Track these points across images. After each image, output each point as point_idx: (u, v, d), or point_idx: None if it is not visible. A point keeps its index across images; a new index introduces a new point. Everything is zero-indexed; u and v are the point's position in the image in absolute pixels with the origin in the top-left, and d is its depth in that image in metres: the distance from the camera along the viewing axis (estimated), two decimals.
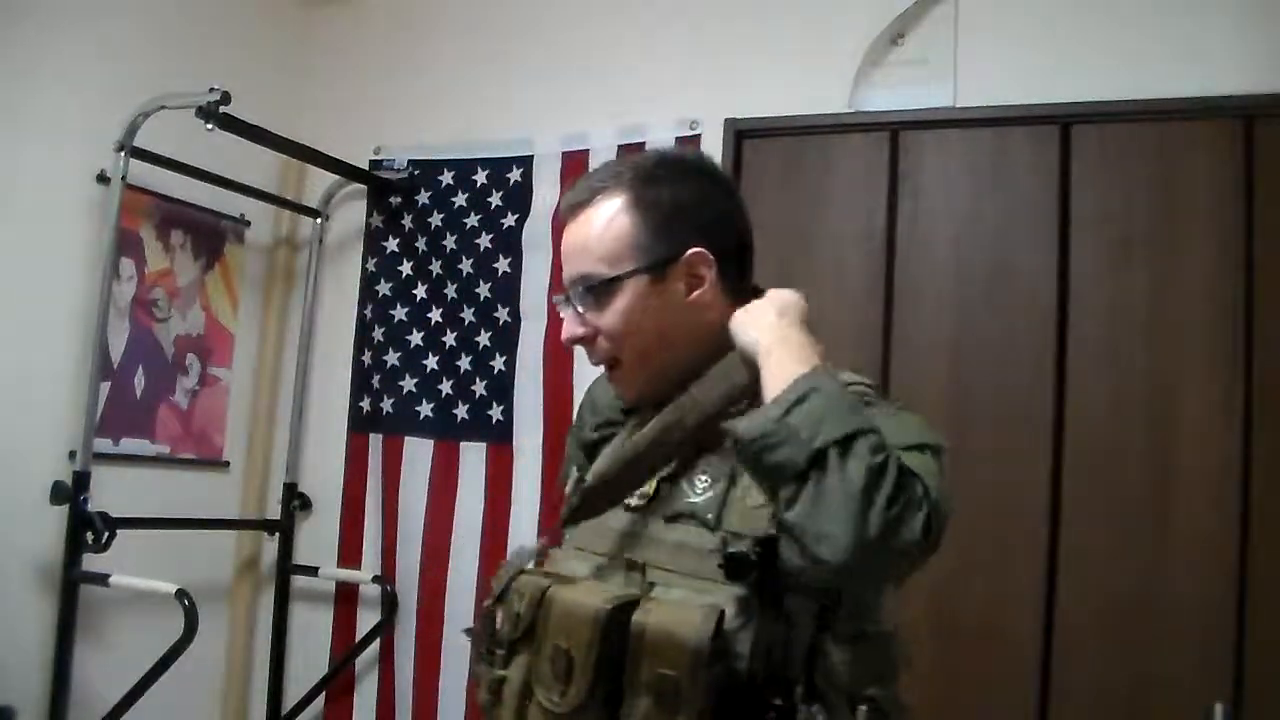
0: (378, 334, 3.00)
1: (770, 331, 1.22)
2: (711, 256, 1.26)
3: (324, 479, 3.02)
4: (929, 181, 2.47)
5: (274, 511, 3.01)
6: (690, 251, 1.24)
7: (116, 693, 2.34)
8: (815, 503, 1.01)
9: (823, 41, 2.58)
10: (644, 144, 2.72)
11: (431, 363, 2.92)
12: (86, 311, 2.50)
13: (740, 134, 2.64)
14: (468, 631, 1.30)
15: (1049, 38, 2.40)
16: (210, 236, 2.90)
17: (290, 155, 2.92)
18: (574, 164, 2.80)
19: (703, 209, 1.27)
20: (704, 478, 1.20)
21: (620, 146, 2.75)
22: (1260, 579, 2.11)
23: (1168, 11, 2.31)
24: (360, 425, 2.99)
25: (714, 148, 2.65)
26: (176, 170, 2.65)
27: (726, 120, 2.65)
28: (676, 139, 2.69)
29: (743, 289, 1.31)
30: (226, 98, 2.43)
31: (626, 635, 1.08)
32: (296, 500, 3.01)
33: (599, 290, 1.22)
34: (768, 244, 2.56)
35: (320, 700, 2.92)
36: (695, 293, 1.25)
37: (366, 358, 3.01)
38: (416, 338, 2.95)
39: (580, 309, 1.23)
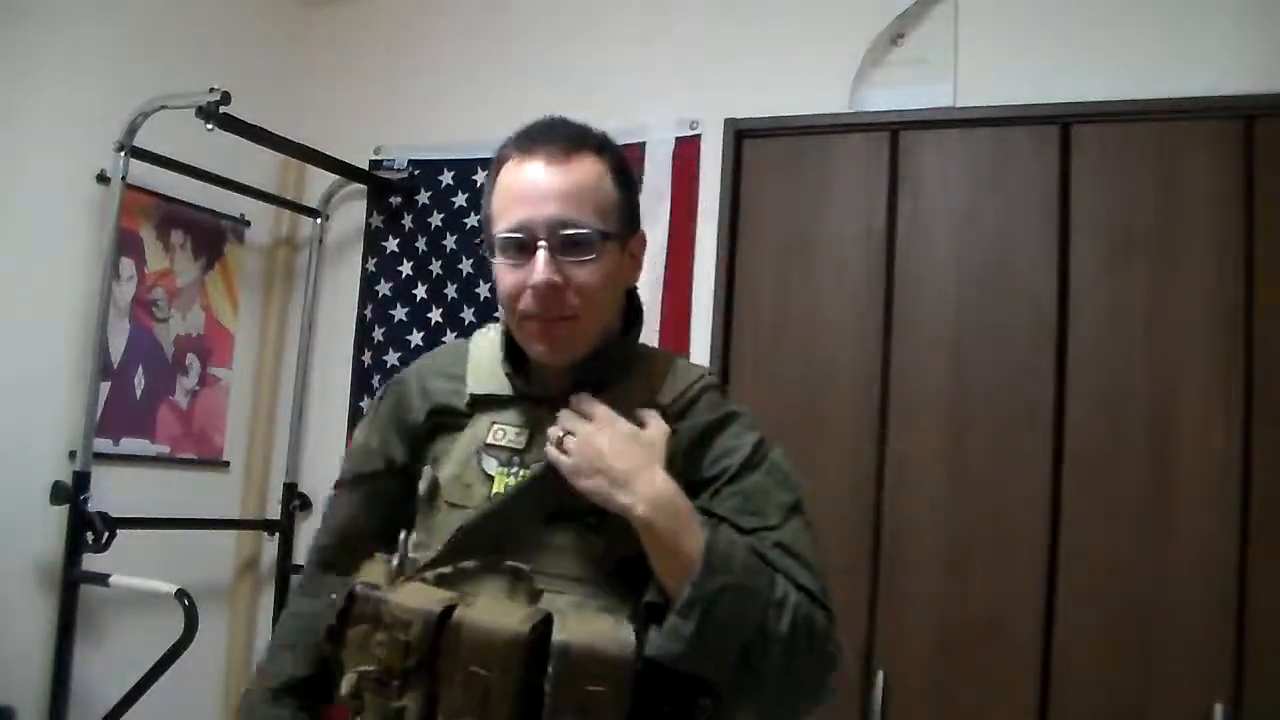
0: (378, 334, 3.00)
1: (645, 496, 1.11)
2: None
3: (324, 479, 3.01)
4: (929, 181, 2.47)
5: (274, 511, 3.01)
6: (640, 233, 1.28)
7: (116, 693, 2.34)
8: (741, 686, 1.11)
9: (823, 41, 2.58)
10: (644, 144, 2.73)
11: None
12: (86, 311, 2.50)
13: (740, 134, 2.64)
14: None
15: (1049, 38, 2.40)
16: (210, 236, 2.90)
17: (290, 155, 2.92)
18: None
19: (637, 190, 1.30)
20: None
21: (620, 146, 2.75)
22: (1260, 579, 2.11)
23: (1168, 11, 2.31)
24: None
25: (714, 148, 2.66)
26: (176, 170, 2.65)
27: (726, 120, 2.65)
28: (676, 139, 2.69)
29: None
30: (226, 98, 2.43)
31: (547, 656, 1.06)
32: (296, 500, 3.01)
33: (588, 243, 1.17)
34: (768, 244, 2.60)
35: None
36: (631, 273, 1.27)
37: (366, 358, 3.01)
38: (416, 338, 2.95)
39: (561, 256, 1.16)
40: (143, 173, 2.59)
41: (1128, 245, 2.29)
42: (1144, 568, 2.19)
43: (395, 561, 1.23)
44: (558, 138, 1.20)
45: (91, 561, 2.41)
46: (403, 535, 1.24)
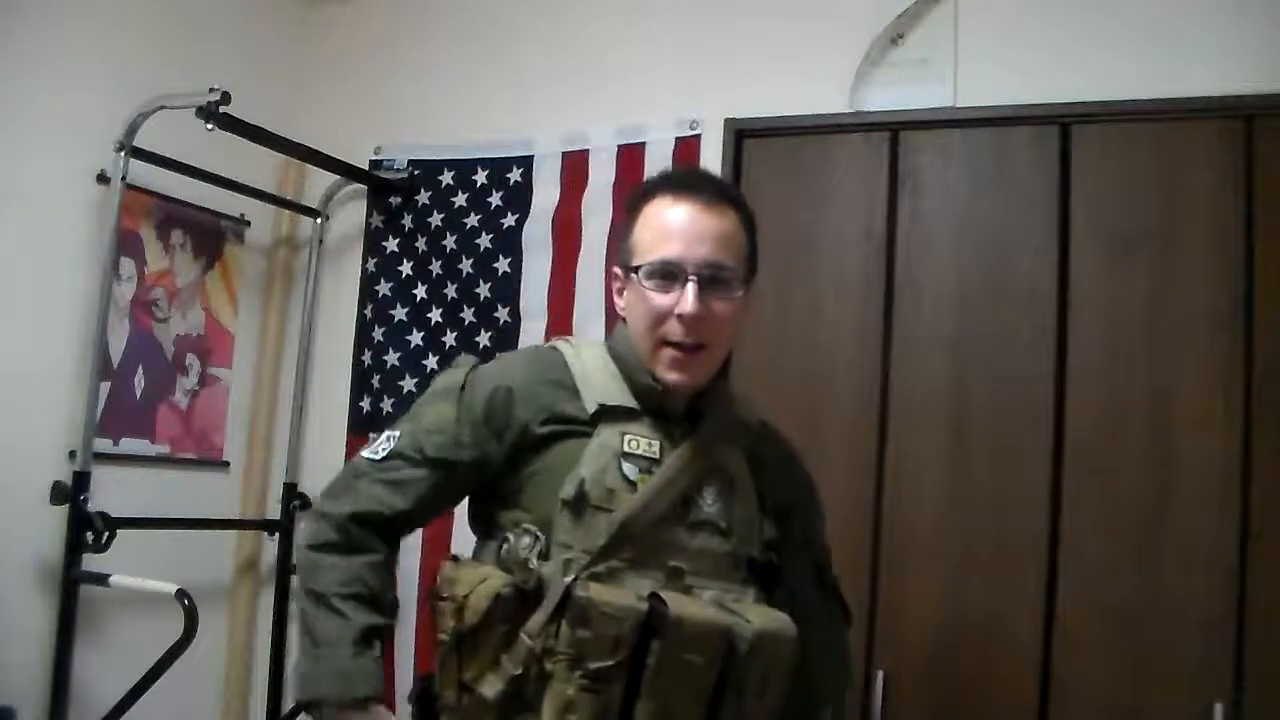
0: (378, 334, 3.00)
1: None
2: None
3: (324, 479, 2.98)
4: (929, 181, 2.47)
5: (274, 511, 3.01)
6: (753, 285, 1.46)
7: (116, 693, 2.34)
8: None
9: (823, 41, 2.58)
10: (644, 144, 2.73)
11: (432, 363, 2.92)
12: (86, 311, 2.50)
13: (740, 134, 2.64)
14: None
15: (1049, 38, 2.40)
16: (210, 236, 2.90)
17: (290, 155, 2.92)
18: (574, 164, 2.81)
19: (758, 245, 1.49)
20: (711, 490, 1.37)
21: (620, 146, 2.76)
22: (1260, 579, 2.11)
23: (1168, 11, 2.31)
24: (360, 425, 2.99)
25: (714, 148, 2.66)
26: (176, 170, 2.65)
27: (726, 120, 2.65)
28: (676, 139, 2.69)
29: None
30: (226, 98, 2.43)
31: (734, 644, 1.27)
32: (296, 500, 3.00)
33: (731, 284, 1.37)
34: (768, 244, 2.58)
35: None
36: (742, 320, 1.45)
37: (366, 358, 3.01)
38: (416, 338, 2.95)
39: (705, 292, 1.34)
40: (143, 173, 2.59)
41: (1128, 245, 2.29)
42: (1144, 568, 2.19)
43: (504, 557, 1.33)
44: (709, 187, 1.42)
45: (91, 561, 2.41)
46: (511, 538, 1.33)
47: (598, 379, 1.40)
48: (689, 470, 1.36)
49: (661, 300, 1.34)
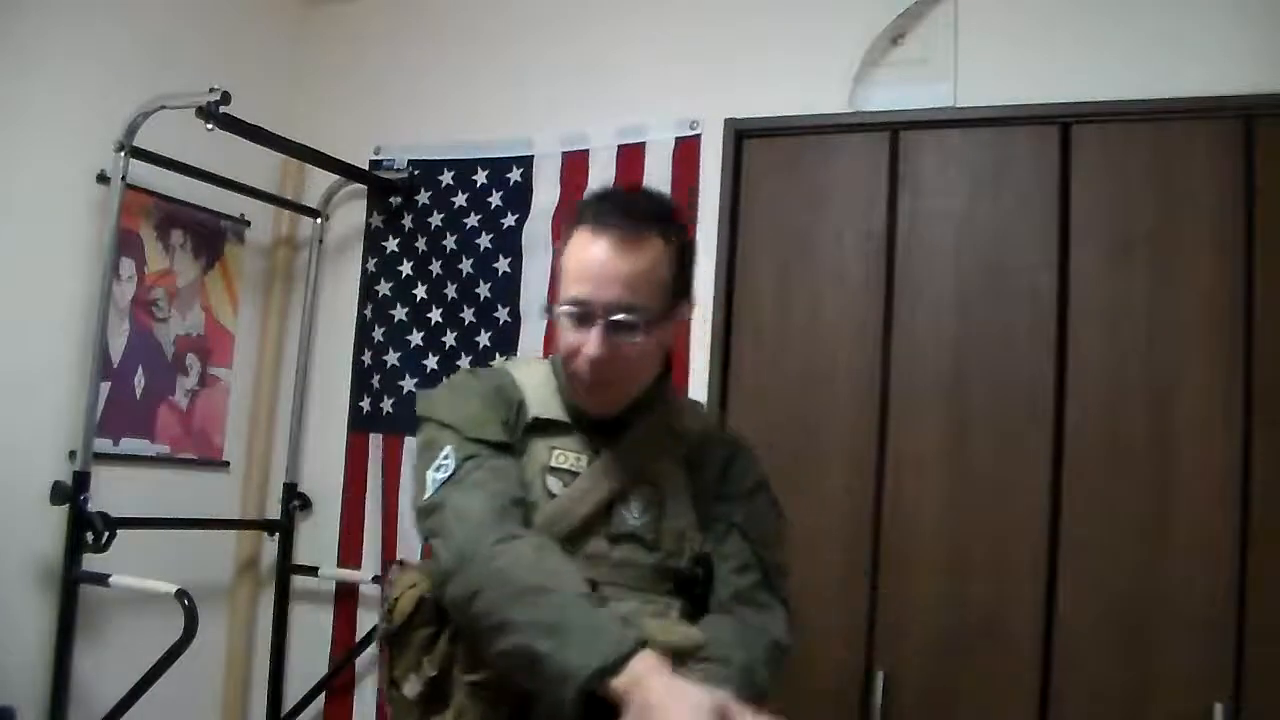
0: (378, 334, 3.00)
1: None
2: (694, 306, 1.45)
3: (324, 479, 3.02)
4: (929, 181, 2.47)
5: (274, 511, 3.01)
6: (685, 304, 1.42)
7: (116, 693, 2.34)
8: None
9: (823, 41, 2.58)
10: (644, 144, 2.73)
11: (431, 363, 2.92)
12: (86, 311, 2.50)
13: (740, 134, 2.64)
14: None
15: (1049, 38, 2.40)
16: (210, 236, 2.90)
17: (290, 155, 2.92)
18: (574, 164, 2.81)
19: (693, 263, 1.45)
20: (637, 503, 1.37)
21: (620, 146, 2.76)
22: (1260, 579, 2.11)
23: (1168, 11, 2.31)
24: (360, 425, 2.99)
25: (714, 148, 2.66)
26: (176, 170, 2.65)
27: (726, 120, 2.65)
28: (676, 139, 2.69)
29: None
30: (226, 98, 2.43)
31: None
32: (296, 500, 3.01)
33: (638, 327, 1.32)
34: (768, 244, 2.60)
35: (320, 700, 2.92)
36: (676, 336, 1.44)
37: (366, 358, 3.01)
38: (416, 338, 2.95)
39: (612, 334, 1.32)
40: (143, 173, 2.59)
41: (1128, 245, 2.29)
42: (1144, 568, 2.19)
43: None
44: (627, 218, 1.34)
45: (91, 561, 2.41)
46: None
47: (535, 394, 1.43)
48: (609, 482, 1.36)
49: (573, 337, 1.34)
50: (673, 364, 1.52)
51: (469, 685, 1.29)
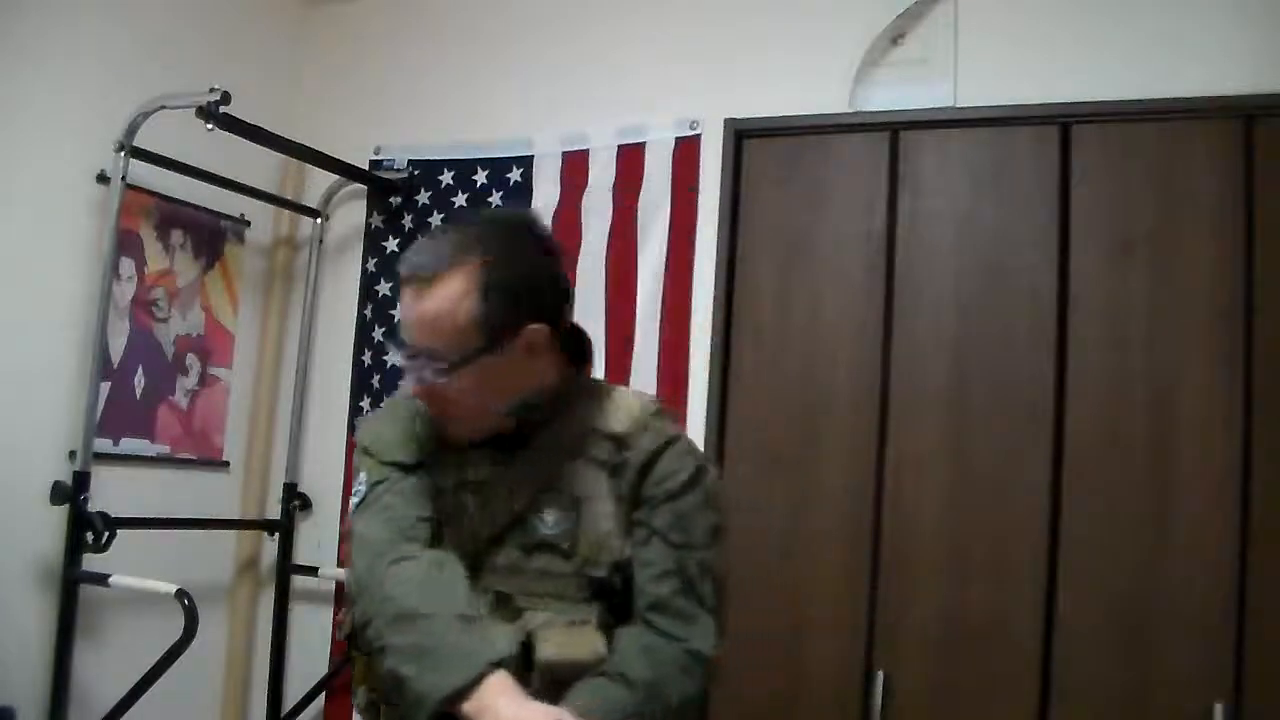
0: (378, 334, 3.00)
1: None
2: (548, 330, 1.34)
3: (324, 479, 3.02)
4: (929, 181, 2.47)
5: (274, 511, 3.01)
6: (529, 329, 1.32)
7: (116, 693, 2.34)
8: None
9: (823, 41, 2.58)
10: (644, 144, 2.73)
11: None
12: (86, 311, 2.50)
13: (740, 134, 2.64)
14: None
15: (1049, 38, 2.40)
16: (210, 236, 2.90)
17: (290, 155, 2.92)
18: (574, 164, 2.81)
19: (539, 286, 1.34)
20: (552, 511, 1.33)
21: (620, 146, 2.76)
22: (1260, 579, 2.11)
23: (1168, 11, 2.31)
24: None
25: (714, 148, 2.66)
26: (176, 170, 2.65)
27: (726, 120, 2.65)
28: (676, 139, 2.69)
29: (568, 340, 1.41)
30: (226, 98, 2.43)
31: (530, 669, 1.25)
32: (296, 500, 3.01)
33: (442, 367, 1.29)
34: (768, 244, 2.60)
35: (320, 700, 2.92)
36: (532, 361, 1.34)
37: (366, 358, 3.01)
38: None
39: (426, 376, 1.31)
40: (143, 173, 2.59)
41: (1128, 245, 2.29)
42: (1144, 568, 2.19)
43: None
44: (425, 264, 1.30)
45: (91, 561, 2.41)
46: None
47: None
48: (519, 492, 1.34)
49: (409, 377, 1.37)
50: (588, 359, 1.45)
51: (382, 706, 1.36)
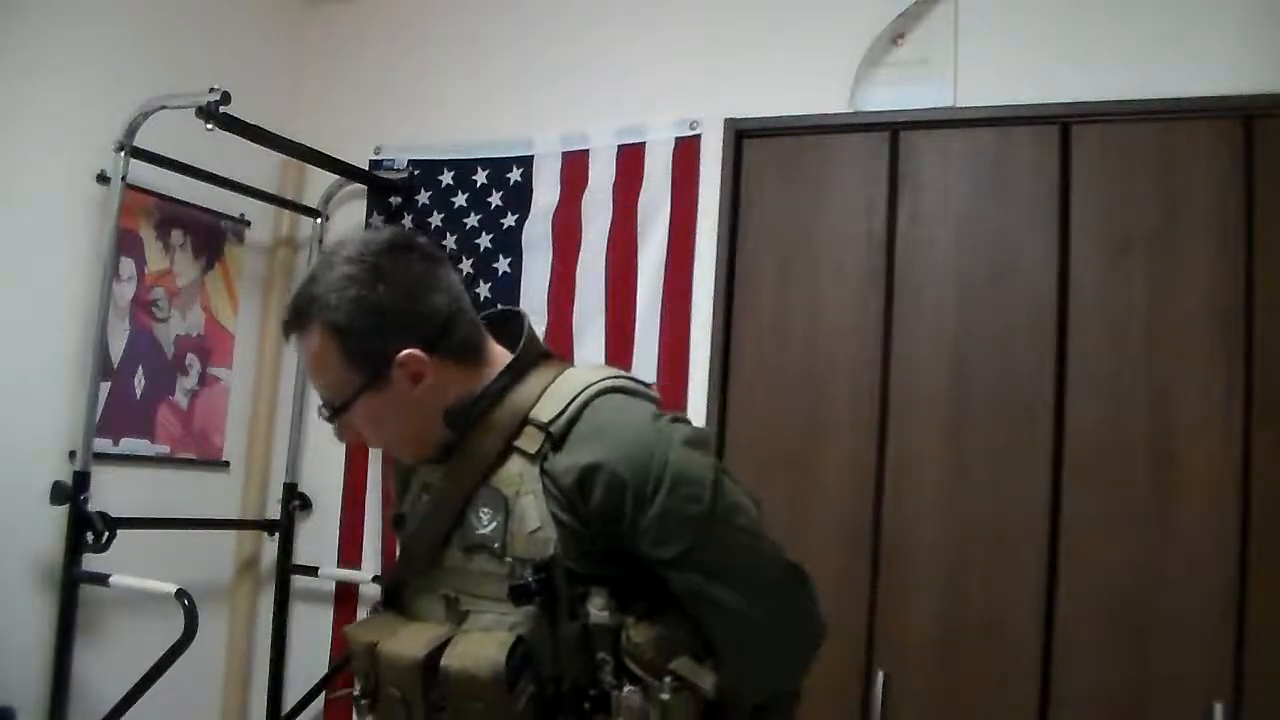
0: None
1: None
2: (423, 352, 1.27)
3: (324, 479, 3.02)
4: (929, 181, 2.47)
5: (274, 511, 3.01)
6: (402, 354, 1.27)
7: (116, 693, 2.34)
8: None
9: (823, 41, 2.58)
10: (644, 144, 2.73)
11: None
12: (86, 311, 2.50)
13: (740, 134, 2.64)
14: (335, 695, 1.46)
15: (1049, 38, 2.40)
16: (210, 236, 2.90)
17: (290, 155, 2.92)
18: (574, 164, 2.81)
19: (400, 310, 1.27)
20: (486, 510, 1.28)
21: (620, 146, 2.76)
22: (1260, 579, 2.11)
23: (1168, 11, 2.31)
24: None
25: (714, 148, 2.66)
26: (176, 170, 2.65)
27: (726, 120, 2.65)
28: (676, 139, 2.69)
29: (471, 344, 1.33)
30: (226, 98, 2.43)
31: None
32: (296, 500, 3.01)
33: (337, 407, 1.31)
34: (768, 244, 2.60)
35: (320, 700, 2.92)
36: (420, 385, 1.29)
37: None
38: None
39: (334, 421, 1.33)
40: (143, 173, 2.59)
41: (1128, 245, 2.29)
42: (1144, 568, 2.19)
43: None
44: (289, 318, 1.31)
45: (91, 561, 2.41)
46: None
47: None
48: (452, 494, 1.31)
49: None
50: (527, 345, 1.34)
51: (359, 702, 1.38)
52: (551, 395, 1.29)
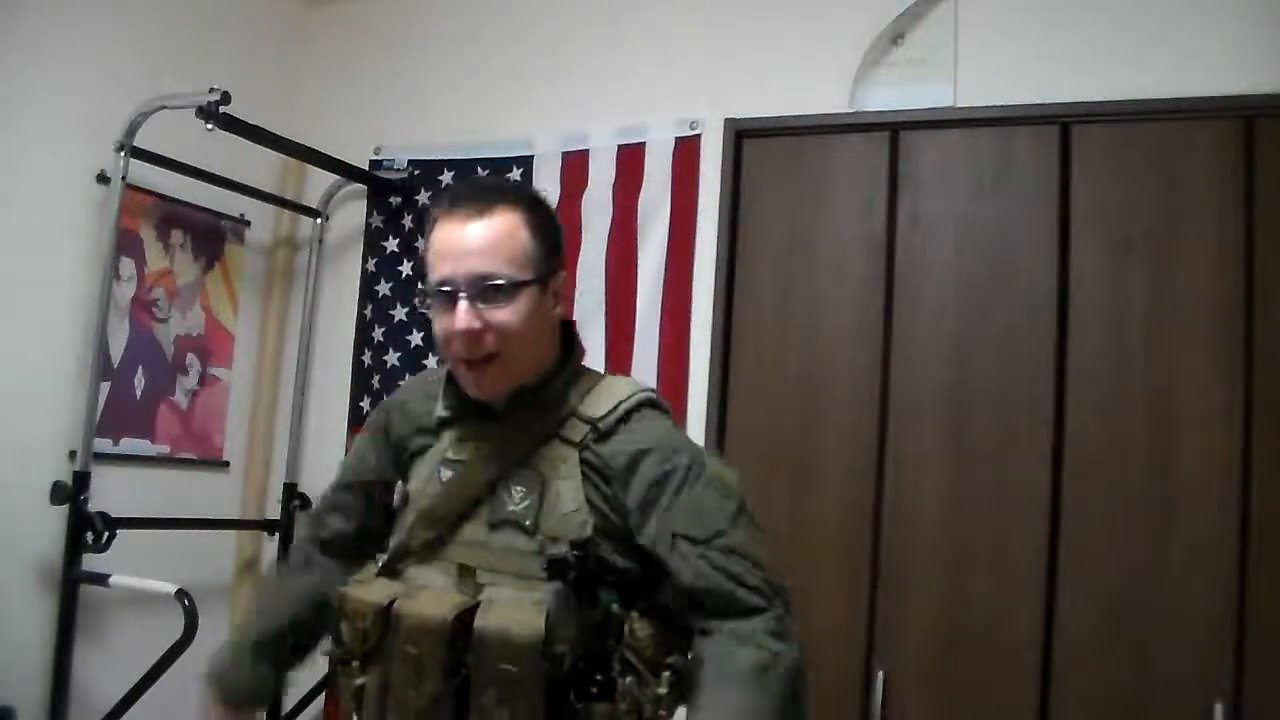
0: (378, 334, 3.00)
1: None
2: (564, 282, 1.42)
3: (324, 479, 2.98)
4: (929, 181, 2.47)
5: (274, 511, 3.01)
6: (560, 274, 1.40)
7: (116, 693, 2.34)
8: None
9: (823, 41, 2.58)
10: (644, 144, 2.73)
11: (432, 363, 2.92)
12: (86, 311, 2.50)
13: (740, 134, 2.64)
14: (326, 653, 1.48)
15: (1049, 38, 2.40)
16: (210, 236, 2.90)
17: (290, 155, 2.92)
18: (574, 164, 2.81)
19: (562, 240, 1.42)
20: (519, 488, 1.35)
21: (620, 146, 2.76)
22: (1260, 579, 2.11)
23: (1168, 11, 2.31)
24: (360, 425, 2.98)
25: (714, 148, 2.66)
26: (176, 170, 2.65)
27: (726, 120, 2.65)
28: (676, 139, 2.69)
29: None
30: (226, 98, 2.43)
31: (469, 637, 1.27)
32: (296, 500, 3.01)
33: (504, 290, 1.32)
34: (768, 244, 2.60)
35: (320, 700, 2.92)
36: (557, 309, 1.40)
37: (366, 358, 3.01)
38: (416, 338, 2.95)
39: (480, 304, 1.31)
40: (143, 173, 2.59)
41: (1128, 245, 2.29)
42: (1144, 567, 2.19)
43: (379, 562, 1.43)
44: (476, 195, 1.36)
45: (91, 561, 2.41)
46: (392, 540, 1.43)
47: (452, 389, 1.44)
48: (487, 469, 1.36)
49: (444, 322, 1.34)
50: (578, 349, 1.45)
51: (342, 666, 1.43)
52: (599, 394, 1.39)
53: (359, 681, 1.37)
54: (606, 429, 1.35)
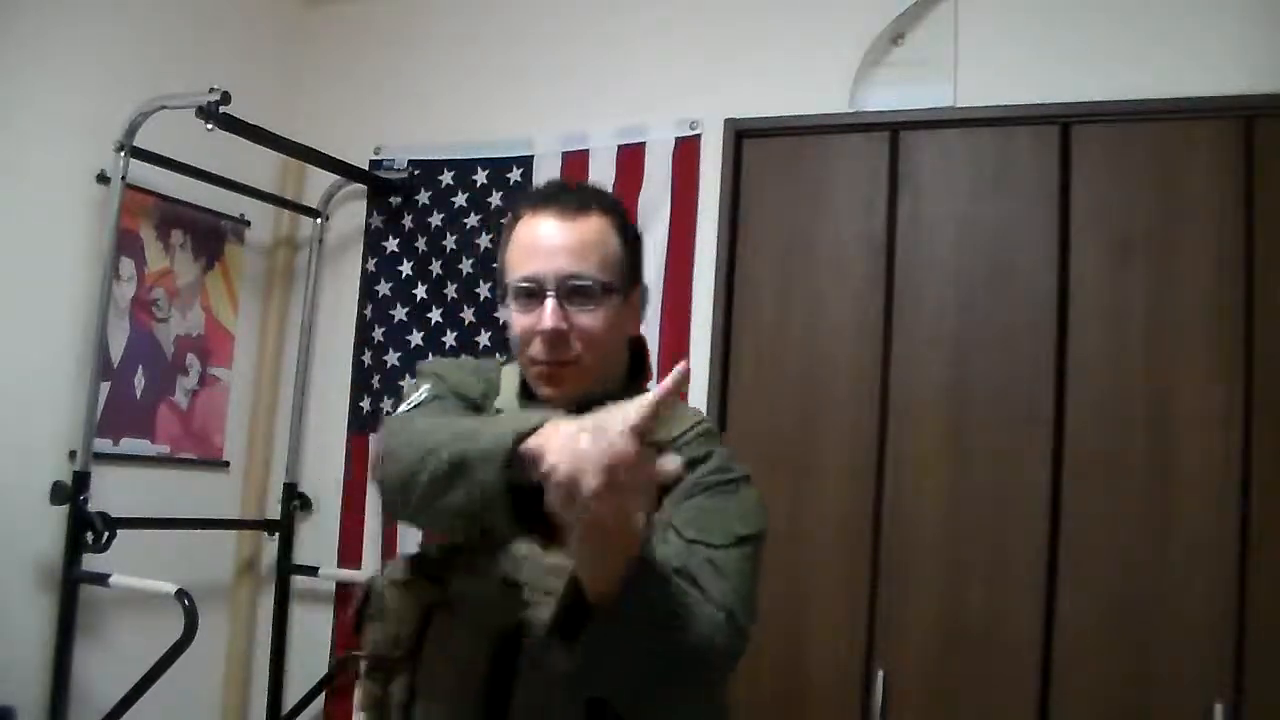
0: (378, 334, 3.00)
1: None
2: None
3: (324, 479, 3.02)
4: (929, 181, 2.47)
5: (274, 511, 3.01)
6: (641, 286, 1.38)
7: (116, 693, 2.34)
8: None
9: (823, 41, 2.59)
10: (644, 144, 2.73)
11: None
12: (86, 311, 2.50)
13: (740, 134, 2.64)
14: (359, 657, 1.38)
15: (1049, 38, 2.40)
16: (210, 236, 2.90)
17: (290, 155, 2.92)
18: (574, 164, 2.81)
19: (643, 256, 1.40)
20: None
21: (620, 146, 2.76)
22: (1260, 579, 2.11)
23: (1168, 11, 2.31)
24: (360, 425, 2.99)
25: (714, 148, 2.66)
26: (176, 170, 2.65)
27: (726, 120, 2.65)
28: (676, 139, 2.69)
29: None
30: (226, 98, 2.43)
31: (515, 659, 1.21)
32: (296, 500, 3.01)
33: (592, 293, 1.28)
34: (768, 244, 2.60)
35: (320, 700, 2.92)
36: (632, 322, 1.38)
37: (366, 358, 3.01)
38: (416, 338, 2.95)
39: (567, 305, 1.27)
40: (143, 173, 2.59)
41: (1128, 245, 2.29)
42: (1144, 567, 2.19)
43: (411, 560, 1.34)
44: (569, 196, 1.33)
45: (91, 561, 2.41)
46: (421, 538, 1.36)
47: (508, 392, 1.38)
48: None
49: (526, 320, 1.29)
50: (644, 366, 1.42)
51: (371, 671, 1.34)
52: (664, 419, 1.28)
53: (384, 689, 1.30)
54: (675, 450, 1.23)
